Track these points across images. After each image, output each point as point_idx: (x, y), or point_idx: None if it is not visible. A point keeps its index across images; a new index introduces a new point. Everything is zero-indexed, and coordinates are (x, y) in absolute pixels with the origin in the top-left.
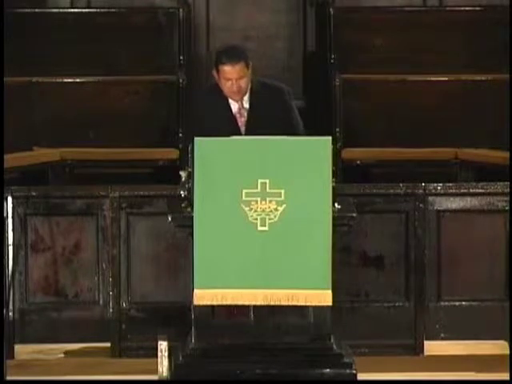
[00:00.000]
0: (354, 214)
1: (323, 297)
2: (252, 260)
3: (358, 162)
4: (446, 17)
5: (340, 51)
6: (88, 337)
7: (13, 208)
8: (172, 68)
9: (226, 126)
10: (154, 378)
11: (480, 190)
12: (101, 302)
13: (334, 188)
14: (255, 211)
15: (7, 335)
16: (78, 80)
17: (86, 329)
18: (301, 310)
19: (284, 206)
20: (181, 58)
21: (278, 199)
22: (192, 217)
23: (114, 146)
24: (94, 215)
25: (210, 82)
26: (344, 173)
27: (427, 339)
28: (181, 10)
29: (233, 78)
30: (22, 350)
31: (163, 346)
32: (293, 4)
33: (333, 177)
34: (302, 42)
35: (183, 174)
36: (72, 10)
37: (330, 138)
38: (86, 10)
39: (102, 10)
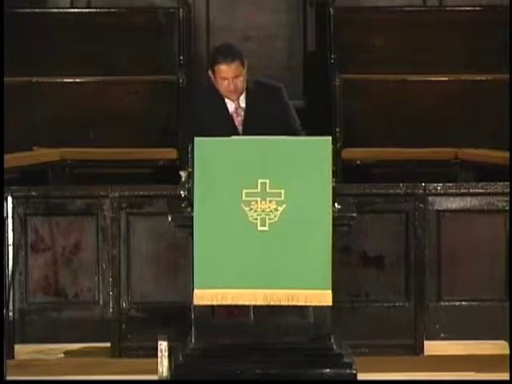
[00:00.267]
0: (354, 214)
1: (323, 297)
2: (252, 260)
3: (358, 162)
4: (445, 17)
5: (340, 51)
6: (88, 337)
7: (13, 208)
8: (172, 68)
9: (224, 125)
10: (154, 378)
11: (480, 190)
12: (101, 302)
13: (333, 188)
14: (255, 211)
15: (7, 335)
16: (77, 80)
17: (86, 329)
18: (301, 310)
19: (284, 206)
20: (181, 57)
21: (278, 199)
22: (192, 217)
23: (114, 145)
24: (93, 215)
25: (208, 82)
26: (344, 173)
27: (427, 339)
28: (181, 10)
29: (229, 76)
30: (22, 350)
31: (163, 346)
32: (293, 4)
33: (333, 177)
34: (302, 42)
35: (183, 174)
36: (72, 10)
37: (330, 138)
38: (86, 10)
39: (102, 10)
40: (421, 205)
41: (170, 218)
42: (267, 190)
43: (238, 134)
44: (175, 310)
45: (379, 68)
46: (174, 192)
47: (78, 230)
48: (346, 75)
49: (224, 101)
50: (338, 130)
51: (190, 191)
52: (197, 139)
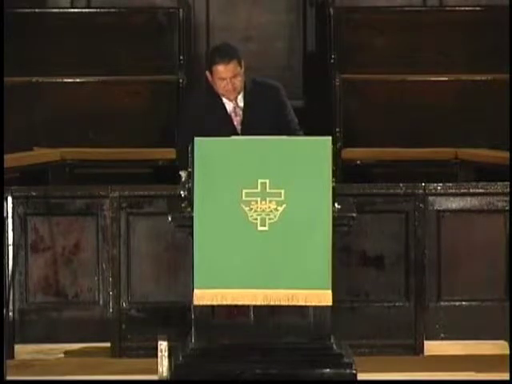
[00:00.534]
0: (354, 214)
1: (323, 297)
2: (252, 260)
3: (358, 162)
4: (445, 17)
5: (340, 51)
6: (88, 337)
7: (13, 208)
8: (172, 68)
9: (222, 125)
10: (154, 378)
11: (480, 190)
12: (101, 302)
13: (333, 188)
14: (255, 211)
15: (7, 335)
16: (77, 80)
17: (86, 329)
18: (301, 310)
19: (284, 205)
20: (181, 57)
21: (278, 199)
22: (192, 217)
23: (114, 145)
24: (93, 215)
25: (206, 83)
26: (344, 173)
27: (427, 339)
28: (181, 10)
29: (227, 76)
30: (22, 350)
31: (163, 346)
32: (293, 4)
33: (333, 177)
34: (302, 42)
35: (183, 174)
36: (72, 10)
37: (330, 138)
38: (86, 10)
39: (102, 10)
40: (421, 205)
41: (169, 218)
42: (267, 190)
43: (236, 134)
44: (175, 310)
45: (379, 68)
46: (174, 192)
47: (78, 230)
48: (345, 75)
49: (222, 101)
50: (337, 130)
51: (190, 191)
52: (197, 139)
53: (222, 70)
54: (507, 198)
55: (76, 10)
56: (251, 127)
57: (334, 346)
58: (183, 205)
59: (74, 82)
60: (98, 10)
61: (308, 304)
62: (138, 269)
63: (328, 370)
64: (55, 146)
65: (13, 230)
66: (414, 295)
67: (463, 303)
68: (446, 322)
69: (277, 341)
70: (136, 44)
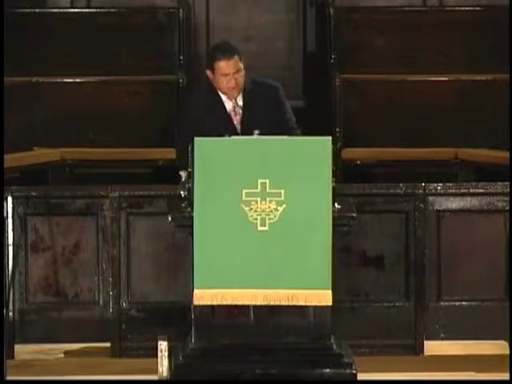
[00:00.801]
0: (354, 214)
1: (323, 297)
2: (252, 260)
3: (358, 162)
4: (445, 17)
5: (340, 51)
6: (88, 337)
7: (13, 208)
8: (172, 68)
9: (222, 125)
10: (154, 378)
11: (480, 190)
12: (101, 302)
13: (334, 188)
14: (255, 211)
15: (7, 335)
16: (78, 80)
17: (86, 329)
18: (301, 310)
19: (284, 205)
20: (181, 57)
21: (278, 199)
22: (192, 217)
23: (114, 145)
24: (93, 215)
25: (205, 82)
26: (344, 173)
27: (427, 339)
28: (181, 10)
29: (229, 72)
30: (22, 350)
31: (163, 346)
32: (293, 4)
33: (333, 177)
34: (302, 42)
35: (183, 174)
36: (72, 10)
37: (330, 138)
38: (86, 10)
39: (102, 10)
40: (421, 205)
41: (169, 218)
42: (267, 190)
43: (236, 133)
44: (175, 310)
45: (379, 68)
46: (174, 192)
47: (78, 230)
48: (345, 75)
49: (221, 100)
50: (338, 130)
51: (190, 191)
52: (197, 139)
53: (224, 65)
54: (507, 198)
55: (76, 10)
56: (250, 126)
57: (334, 346)
58: (183, 205)
59: (73, 82)
60: (98, 9)
61: (308, 304)
62: (137, 269)
63: (328, 369)
64: (55, 146)
65: (13, 230)
66: (414, 295)
67: (463, 303)
68: (446, 322)
69: (277, 341)
70: (136, 44)
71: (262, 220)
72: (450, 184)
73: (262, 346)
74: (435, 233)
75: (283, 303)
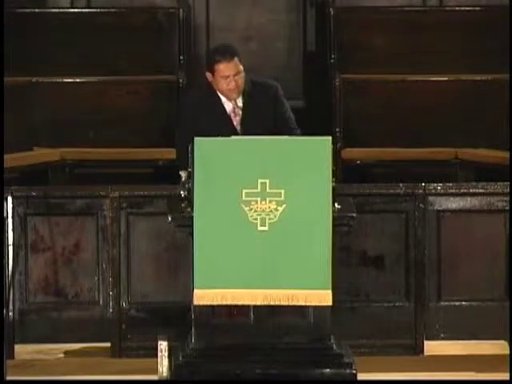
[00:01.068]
0: (354, 214)
1: (323, 297)
2: (252, 260)
3: (358, 162)
4: (445, 17)
5: (340, 51)
6: (88, 337)
7: (13, 208)
8: (172, 68)
9: (222, 126)
10: (154, 378)
11: (480, 190)
12: (101, 302)
13: (334, 188)
14: (255, 211)
15: (7, 335)
16: (77, 80)
17: (86, 329)
18: (301, 310)
19: (284, 205)
20: (181, 57)
21: (278, 199)
22: (192, 217)
23: (114, 145)
24: (94, 215)
25: (204, 84)
26: (344, 173)
27: (427, 339)
28: (181, 10)
29: (230, 74)
30: (22, 350)
31: (163, 346)
32: (293, 4)
33: (333, 177)
34: (302, 42)
35: (183, 174)
36: (72, 10)
37: (330, 138)
38: (86, 10)
39: (102, 10)
40: (421, 205)
41: (169, 218)
42: (267, 190)
43: (236, 134)
44: (175, 310)
45: (379, 68)
46: (174, 192)
47: (78, 230)
48: (345, 75)
49: (221, 101)
50: (337, 129)
51: (190, 191)
52: (197, 139)
53: (224, 67)
54: (507, 198)
55: (76, 10)
56: (251, 127)
57: (334, 346)
58: (183, 205)
59: (73, 82)
60: (98, 10)
61: (308, 304)
62: (137, 269)
63: (328, 369)
64: (55, 146)
65: (13, 230)
66: (414, 295)
67: (463, 303)
68: (445, 322)
69: (277, 341)
70: (136, 44)
71: (262, 220)
72: (450, 184)
73: (262, 346)
74: (435, 233)
75: (283, 303)
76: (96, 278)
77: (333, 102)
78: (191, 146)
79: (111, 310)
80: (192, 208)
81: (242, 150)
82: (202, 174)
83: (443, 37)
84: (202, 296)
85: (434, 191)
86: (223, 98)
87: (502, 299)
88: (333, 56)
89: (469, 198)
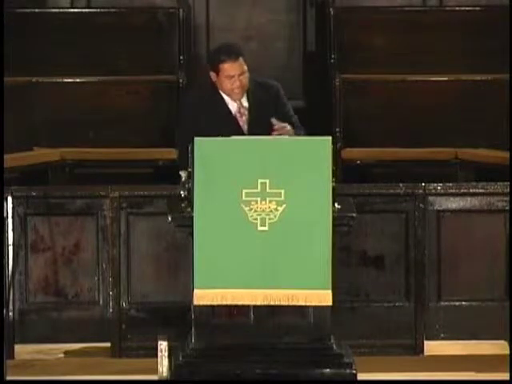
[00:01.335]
0: (354, 214)
1: (323, 297)
2: (252, 260)
3: (358, 162)
4: (445, 17)
5: (340, 51)
6: (88, 337)
7: (13, 208)
8: (172, 68)
9: (227, 126)
10: (154, 378)
11: (480, 190)
12: (101, 302)
13: (334, 188)
14: (255, 211)
15: (7, 335)
16: (77, 80)
17: (86, 329)
18: (301, 310)
19: (284, 205)
20: (181, 57)
21: (278, 199)
22: (192, 217)
23: (114, 145)
24: (94, 215)
25: (208, 85)
26: (344, 173)
27: (427, 339)
28: (181, 10)
29: (235, 74)
30: (22, 350)
31: (163, 346)
32: (293, 4)
33: (333, 177)
34: (302, 42)
35: (183, 174)
36: (72, 10)
37: (330, 138)
38: (86, 10)
39: (102, 10)
40: (421, 205)
41: (169, 218)
42: (267, 190)
43: (242, 134)
44: (175, 310)
45: (379, 68)
46: (174, 192)
47: (78, 230)
48: (345, 75)
49: (225, 101)
50: (337, 129)
51: (190, 191)
52: (197, 139)
53: (229, 67)
54: (507, 198)
55: (76, 10)
56: (258, 127)
57: (334, 346)
58: (183, 205)
59: (73, 82)
60: (98, 9)
61: (308, 304)
62: (137, 269)
63: (328, 369)
64: (55, 146)
65: (13, 230)
66: (414, 295)
67: (463, 303)
68: (445, 322)
69: (277, 341)
70: (136, 44)
71: (262, 220)
72: (450, 184)
73: (262, 346)
74: (435, 233)
75: (283, 303)
76: (96, 278)
77: (333, 102)
78: (191, 146)
79: (111, 310)
80: (192, 208)
81: (242, 150)
82: (202, 173)
83: (443, 37)
84: (202, 296)
85: (433, 191)
86: (227, 99)
87: (502, 299)
88: (333, 56)
89: (469, 198)
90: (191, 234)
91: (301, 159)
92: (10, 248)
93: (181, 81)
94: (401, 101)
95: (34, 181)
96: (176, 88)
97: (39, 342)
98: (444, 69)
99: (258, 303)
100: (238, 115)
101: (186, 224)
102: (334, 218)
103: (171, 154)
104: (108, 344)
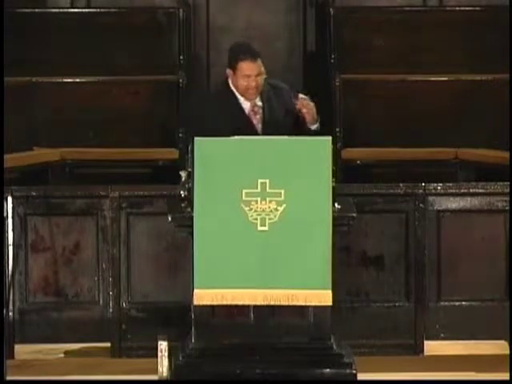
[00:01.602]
0: (354, 214)
1: (323, 297)
2: (252, 260)
3: (358, 162)
4: (445, 17)
5: (340, 51)
6: (88, 337)
7: (13, 208)
8: (172, 68)
9: (241, 125)
10: (154, 378)
11: (480, 190)
12: (101, 302)
13: (334, 188)
14: (255, 211)
15: (7, 335)
16: (77, 80)
17: (86, 329)
18: (301, 310)
19: (284, 205)
20: (181, 57)
21: (278, 199)
22: (192, 217)
23: (114, 145)
24: (94, 215)
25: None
26: (344, 173)
27: (427, 339)
28: (181, 10)
29: (253, 74)
30: (22, 350)
31: (163, 346)
32: (293, 4)
33: (333, 177)
34: (302, 42)
35: (183, 174)
36: (72, 10)
37: (330, 137)
38: (86, 10)
39: (102, 10)
40: (421, 205)
41: (170, 218)
42: (267, 190)
43: (256, 133)
44: (175, 310)
45: (379, 68)
46: (173, 192)
47: (78, 230)
48: (345, 75)
49: (238, 101)
50: (338, 129)
51: (190, 191)
52: (197, 139)
53: (248, 67)
54: (507, 198)
55: (76, 10)
56: (272, 126)
57: (334, 346)
58: (183, 205)
59: (73, 82)
60: (98, 9)
61: (308, 304)
62: (137, 269)
63: (328, 369)
64: (55, 146)
65: (13, 229)
66: (414, 295)
67: (463, 303)
68: (445, 322)
69: (277, 341)
70: (136, 44)
71: (262, 220)
72: (450, 184)
73: (262, 346)
74: (435, 233)
75: (283, 303)
76: (96, 278)
77: (333, 102)
78: (191, 146)
79: (111, 310)
80: (192, 208)
81: (241, 150)
82: (202, 174)
83: (443, 37)
84: (202, 296)
85: (434, 191)
86: (241, 98)
87: (502, 299)
88: (333, 56)
89: (469, 198)
90: (191, 233)
91: (301, 159)
92: (10, 248)
93: (181, 81)
94: (401, 101)
95: (34, 181)
96: (176, 88)
97: (39, 342)
98: (444, 69)
99: (258, 303)
100: (251, 114)
101: (186, 224)
102: (334, 218)
103: (171, 154)
104: (108, 344)
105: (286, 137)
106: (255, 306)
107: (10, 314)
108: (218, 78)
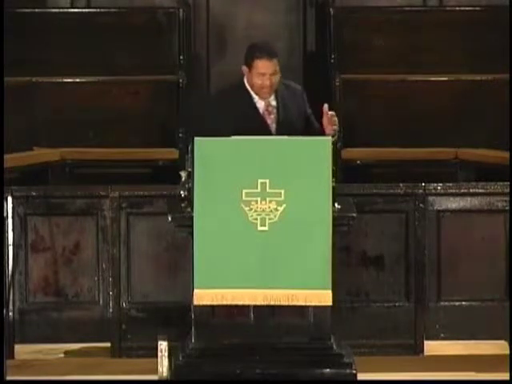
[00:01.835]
0: (354, 214)
1: (323, 297)
2: (252, 260)
3: (358, 162)
4: (445, 17)
5: (340, 51)
6: (88, 337)
7: (13, 208)
8: (172, 68)
9: (255, 124)
10: (154, 378)
11: (480, 190)
12: (101, 302)
13: (334, 188)
14: (255, 211)
15: (7, 335)
16: (77, 80)
17: (86, 329)
18: (301, 310)
19: (284, 205)
20: (181, 57)
21: (278, 199)
22: (192, 217)
23: (114, 145)
24: (94, 215)
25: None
26: (344, 173)
27: (427, 339)
28: (181, 10)
29: (268, 72)
30: (22, 350)
31: (163, 346)
32: (293, 4)
33: (333, 177)
34: (302, 42)
35: (183, 174)
36: (72, 10)
37: (330, 138)
38: (86, 10)
39: (102, 10)
40: (421, 205)
41: (170, 218)
42: (267, 190)
43: (270, 133)
44: (175, 310)
45: (379, 68)
46: (173, 192)
47: (78, 230)
48: (345, 75)
49: (253, 100)
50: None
51: (190, 191)
52: (197, 139)
53: (263, 65)
54: (507, 198)
55: (76, 10)
56: (286, 126)
57: (334, 346)
58: (183, 205)
59: (73, 82)
60: (98, 9)
61: (308, 304)
62: (137, 269)
63: (328, 369)
64: (55, 146)
65: (13, 229)
66: (414, 295)
67: (463, 303)
68: (445, 321)
69: (277, 341)
70: (136, 44)
71: (262, 220)
72: (450, 184)
73: (262, 346)
74: (435, 233)
75: (283, 303)
76: (96, 278)
77: (333, 102)
78: (191, 146)
79: (111, 310)
80: (192, 208)
81: (241, 150)
82: (202, 174)
83: (443, 37)
84: (202, 296)
85: (434, 191)
86: (255, 97)
87: (502, 299)
88: (333, 56)
89: (469, 198)
90: (191, 233)
91: (301, 159)
92: (10, 248)
93: (181, 81)
94: (401, 101)
95: (34, 181)
96: (176, 88)
97: (39, 342)
98: (444, 69)
99: (258, 303)
100: (265, 113)
101: (186, 224)
102: (334, 218)
103: (171, 154)
104: (108, 344)
105: (285, 137)
106: (255, 306)
107: (10, 313)
108: (218, 78)
